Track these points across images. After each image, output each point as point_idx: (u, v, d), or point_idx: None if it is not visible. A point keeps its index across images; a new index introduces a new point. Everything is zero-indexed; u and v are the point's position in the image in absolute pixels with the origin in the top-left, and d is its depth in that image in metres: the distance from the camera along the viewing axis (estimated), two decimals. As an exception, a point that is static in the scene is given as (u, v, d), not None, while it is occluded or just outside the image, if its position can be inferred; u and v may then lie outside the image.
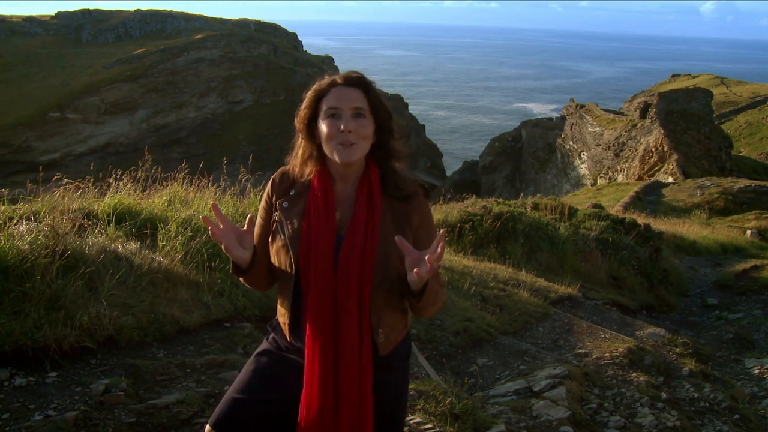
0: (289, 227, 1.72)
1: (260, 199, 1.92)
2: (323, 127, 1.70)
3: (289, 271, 1.72)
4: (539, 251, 8.55)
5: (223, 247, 1.68)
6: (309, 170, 1.77)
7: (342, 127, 1.66)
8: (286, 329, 1.79)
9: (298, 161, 1.79)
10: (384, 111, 1.74)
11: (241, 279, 1.80)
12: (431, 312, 1.76)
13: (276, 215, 1.77)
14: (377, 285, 1.68)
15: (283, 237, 1.73)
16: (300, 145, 1.79)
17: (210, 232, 1.68)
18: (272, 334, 1.87)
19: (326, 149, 1.71)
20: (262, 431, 1.74)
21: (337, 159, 1.69)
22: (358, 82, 1.72)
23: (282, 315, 1.81)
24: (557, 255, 8.66)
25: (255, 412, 1.73)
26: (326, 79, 1.75)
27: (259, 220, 1.84)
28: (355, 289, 1.66)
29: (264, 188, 1.88)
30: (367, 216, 1.70)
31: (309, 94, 1.75)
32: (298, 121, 1.77)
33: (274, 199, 1.81)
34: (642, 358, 4.75)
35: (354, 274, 1.66)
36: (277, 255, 1.75)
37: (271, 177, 1.85)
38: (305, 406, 1.67)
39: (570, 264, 8.69)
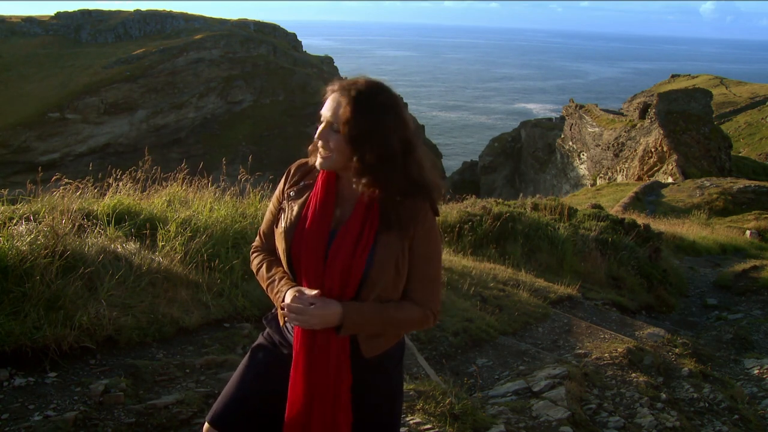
0: (289, 216, 1.75)
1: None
2: None
3: (284, 259, 1.74)
4: (539, 251, 8.55)
5: None
6: (314, 160, 1.79)
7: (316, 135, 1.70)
8: (281, 317, 1.79)
9: (311, 148, 1.81)
10: (367, 127, 1.61)
11: None
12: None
13: (284, 203, 1.80)
14: (369, 287, 1.64)
15: (282, 225, 1.76)
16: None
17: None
18: (267, 329, 1.87)
19: None
20: (260, 426, 1.75)
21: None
22: (345, 91, 1.65)
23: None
24: (557, 255, 8.66)
25: (252, 408, 1.74)
26: (336, 83, 1.70)
27: (271, 207, 1.88)
28: (337, 287, 1.64)
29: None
30: (364, 216, 1.67)
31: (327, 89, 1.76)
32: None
33: (285, 188, 1.83)
34: (641, 358, 4.75)
35: (339, 272, 1.63)
36: (277, 242, 1.78)
37: (289, 166, 1.88)
38: (290, 402, 1.69)
39: (569, 264, 8.68)
